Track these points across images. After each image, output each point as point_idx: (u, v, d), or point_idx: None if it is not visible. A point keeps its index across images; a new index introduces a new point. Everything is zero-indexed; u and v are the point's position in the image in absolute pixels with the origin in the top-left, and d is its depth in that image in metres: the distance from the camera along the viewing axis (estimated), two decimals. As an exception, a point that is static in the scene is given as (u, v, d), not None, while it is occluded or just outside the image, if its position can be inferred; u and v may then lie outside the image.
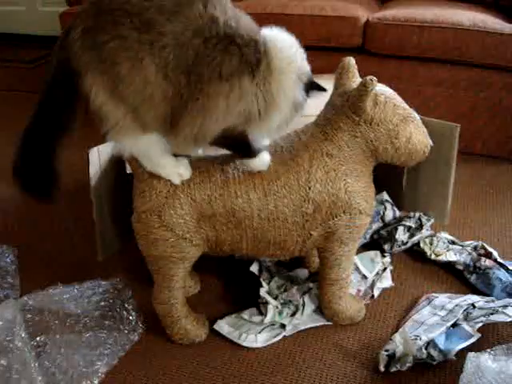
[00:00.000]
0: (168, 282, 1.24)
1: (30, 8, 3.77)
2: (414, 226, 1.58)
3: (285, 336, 1.32)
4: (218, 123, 1.08)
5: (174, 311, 1.27)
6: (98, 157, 1.31)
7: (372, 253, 1.54)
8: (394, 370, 1.18)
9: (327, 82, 1.20)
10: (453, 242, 1.57)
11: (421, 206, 1.60)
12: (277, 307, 1.35)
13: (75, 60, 1.03)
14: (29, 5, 3.76)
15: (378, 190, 1.40)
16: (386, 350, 1.20)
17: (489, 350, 1.11)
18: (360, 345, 1.29)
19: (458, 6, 2.24)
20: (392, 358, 1.19)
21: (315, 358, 1.26)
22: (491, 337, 1.27)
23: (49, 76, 1.08)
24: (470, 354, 1.09)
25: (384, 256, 1.54)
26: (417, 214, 1.61)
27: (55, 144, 1.12)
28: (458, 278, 1.49)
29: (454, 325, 1.26)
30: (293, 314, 1.35)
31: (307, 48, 1.16)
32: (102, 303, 1.38)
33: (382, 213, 1.63)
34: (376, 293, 1.43)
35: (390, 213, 1.64)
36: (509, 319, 1.23)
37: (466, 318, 1.27)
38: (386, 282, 1.47)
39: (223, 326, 1.33)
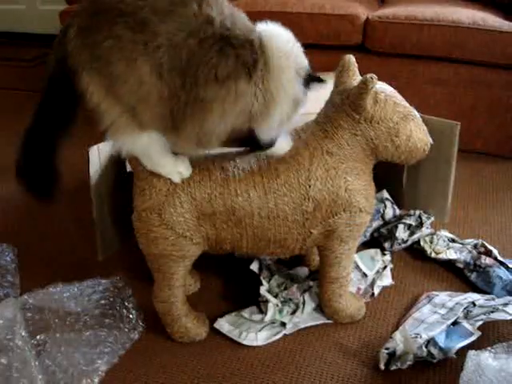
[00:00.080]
0: (168, 281, 1.24)
1: (30, 6, 3.76)
2: (414, 224, 1.58)
3: (285, 334, 1.32)
4: (218, 125, 1.07)
5: (174, 309, 1.27)
6: (98, 155, 1.31)
7: (372, 251, 1.54)
8: (394, 368, 1.18)
9: (327, 81, 1.20)
10: (453, 240, 1.57)
11: (421, 204, 1.60)
12: (277, 305, 1.35)
13: (72, 59, 1.03)
14: (29, 3, 3.75)
15: (378, 188, 1.40)
16: (387, 348, 1.20)
17: (489, 348, 1.11)
18: (360, 343, 1.29)
19: (457, 3, 2.24)
20: (392, 356, 1.19)
21: (315, 357, 1.26)
22: (491, 335, 1.27)
23: (48, 75, 1.09)
24: (471, 352, 1.09)
25: (384, 254, 1.54)
26: (417, 212, 1.61)
27: (56, 143, 1.13)
28: (458, 276, 1.49)
29: (455, 323, 1.26)
30: (293, 313, 1.35)
31: (307, 46, 1.16)
32: (102, 302, 1.38)
33: (382, 211, 1.63)
34: (376, 291, 1.43)
35: (390, 211, 1.64)
36: (509, 317, 1.23)
37: (467, 316, 1.27)
38: (386, 280, 1.47)
39: (223, 325, 1.33)
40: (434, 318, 1.28)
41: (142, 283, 1.42)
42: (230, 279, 1.51)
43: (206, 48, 1.01)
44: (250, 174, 1.19)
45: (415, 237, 1.57)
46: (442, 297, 1.37)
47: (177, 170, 1.16)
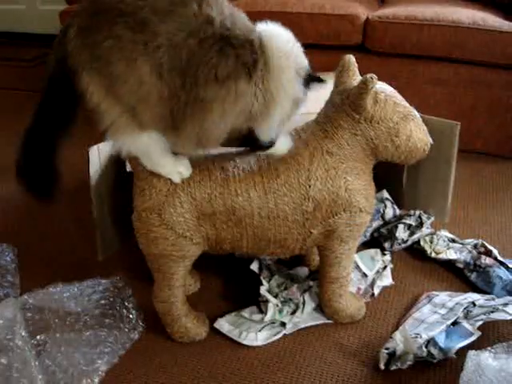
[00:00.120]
0: (168, 281, 1.24)
1: (30, 6, 3.76)
2: (414, 224, 1.58)
3: (285, 334, 1.32)
4: (218, 125, 1.07)
5: (174, 309, 1.27)
6: (98, 155, 1.31)
7: (372, 251, 1.54)
8: (394, 368, 1.18)
9: (327, 81, 1.20)
10: (453, 240, 1.57)
11: (421, 204, 1.60)
12: (277, 305, 1.35)
13: (72, 59, 1.03)
14: (29, 3, 3.75)
15: (378, 188, 1.40)
16: (387, 348, 1.20)
17: (489, 348, 1.11)
18: (360, 343, 1.29)
19: (457, 3, 2.24)
20: (392, 356, 1.19)
21: (315, 357, 1.26)
22: (491, 335, 1.27)
23: (48, 75, 1.09)
24: (471, 352, 1.09)
25: (384, 254, 1.54)
26: (417, 212, 1.61)
27: (56, 143, 1.13)
28: (458, 276, 1.49)
29: (455, 323, 1.26)
30: (293, 313, 1.35)
31: (307, 46, 1.16)
32: (102, 302, 1.38)
33: (382, 211, 1.63)
34: (376, 291, 1.43)
35: (390, 211, 1.64)
36: (509, 317, 1.23)
37: (467, 316, 1.27)
38: (386, 280, 1.47)
39: (223, 325, 1.33)
40: (434, 318, 1.28)
41: (142, 283, 1.42)
42: (229, 279, 1.51)
43: (206, 48, 1.01)
44: (250, 174, 1.19)
45: (415, 237, 1.57)
46: (442, 297, 1.37)
47: (177, 170, 1.16)
